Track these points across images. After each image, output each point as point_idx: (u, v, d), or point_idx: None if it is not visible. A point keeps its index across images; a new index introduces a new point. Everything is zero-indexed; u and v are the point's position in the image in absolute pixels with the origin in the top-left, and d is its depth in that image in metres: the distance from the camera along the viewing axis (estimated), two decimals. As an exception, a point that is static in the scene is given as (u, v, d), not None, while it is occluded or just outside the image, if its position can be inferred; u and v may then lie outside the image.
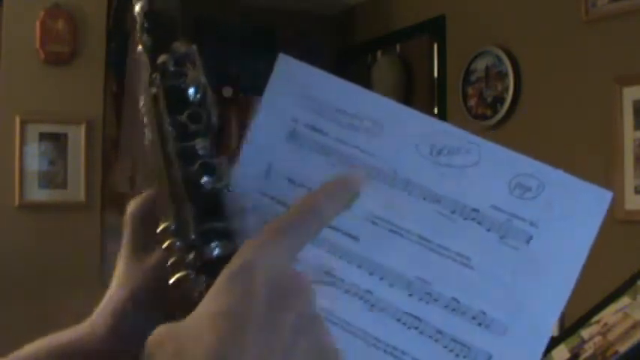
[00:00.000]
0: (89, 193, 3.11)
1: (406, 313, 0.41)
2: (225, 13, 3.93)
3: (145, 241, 0.47)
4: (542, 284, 0.39)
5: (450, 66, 3.41)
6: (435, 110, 3.53)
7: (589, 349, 1.17)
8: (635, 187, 2.46)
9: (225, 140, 4.13)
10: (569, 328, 1.26)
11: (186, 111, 0.43)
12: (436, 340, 0.40)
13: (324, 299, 0.38)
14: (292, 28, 4.13)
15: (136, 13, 0.47)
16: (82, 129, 3.10)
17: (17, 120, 2.99)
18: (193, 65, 0.45)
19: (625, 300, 1.21)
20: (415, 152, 0.43)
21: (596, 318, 1.22)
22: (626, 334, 1.14)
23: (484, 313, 0.40)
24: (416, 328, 0.40)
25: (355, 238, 0.43)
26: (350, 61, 4.23)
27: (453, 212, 0.41)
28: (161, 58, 0.45)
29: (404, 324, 0.41)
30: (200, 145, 0.43)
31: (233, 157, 0.48)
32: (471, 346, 0.40)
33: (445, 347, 0.40)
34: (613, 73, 2.54)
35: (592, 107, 2.65)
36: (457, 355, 0.40)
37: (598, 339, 1.17)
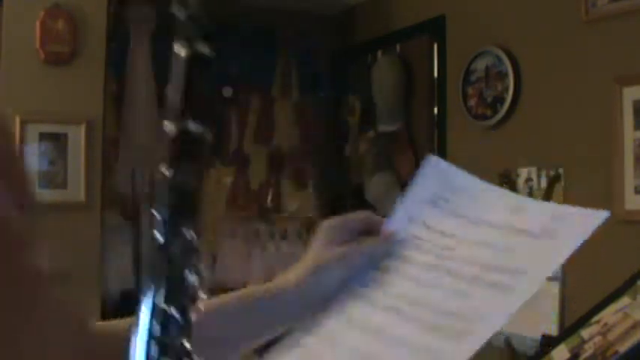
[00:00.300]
0: (89, 193, 3.11)
1: (459, 273, 0.73)
2: (225, 13, 3.92)
3: (328, 243, 0.79)
4: (544, 260, 0.68)
5: (450, 66, 3.41)
6: (435, 110, 3.53)
7: (589, 349, 1.17)
8: (635, 187, 2.46)
9: (225, 140, 4.13)
10: (569, 328, 1.26)
11: (178, 303, 0.45)
12: (475, 282, 0.70)
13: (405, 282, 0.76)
14: (292, 28, 4.13)
15: (158, 182, 0.48)
16: (82, 129, 3.10)
17: (17, 120, 2.98)
18: (197, 256, 0.46)
19: (625, 300, 1.21)
20: (492, 207, 0.79)
21: (596, 318, 1.22)
22: (626, 334, 1.14)
23: (502, 270, 0.69)
24: (462, 278, 0.72)
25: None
26: (350, 61, 4.23)
27: (509, 231, 0.74)
28: (171, 247, 0.46)
29: (456, 276, 0.72)
30: (182, 339, 0.45)
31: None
32: (498, 283, 0.68)
33: (480, 285, 0.70)
34: (613, 73, 2.54)
35: (592, 107, 2.65)
36: (495, 287, 0.68)
37: (598, 339, 1.17)
